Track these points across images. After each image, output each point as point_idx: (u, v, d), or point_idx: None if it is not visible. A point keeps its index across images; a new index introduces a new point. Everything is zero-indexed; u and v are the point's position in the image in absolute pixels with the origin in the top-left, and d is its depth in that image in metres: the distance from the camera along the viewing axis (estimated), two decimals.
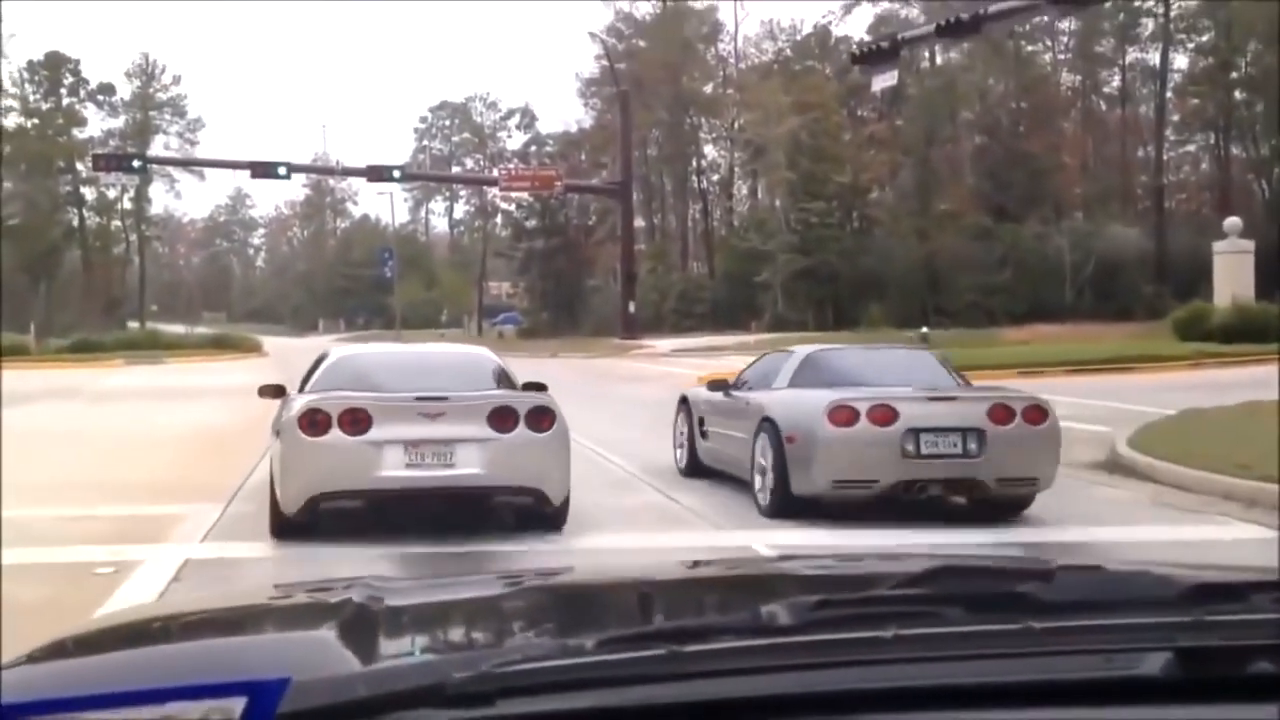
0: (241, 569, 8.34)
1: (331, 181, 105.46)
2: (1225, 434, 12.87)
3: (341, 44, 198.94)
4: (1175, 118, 68.72)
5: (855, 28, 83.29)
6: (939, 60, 69.23)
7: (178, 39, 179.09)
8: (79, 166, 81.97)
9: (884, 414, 9.60)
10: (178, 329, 65.76)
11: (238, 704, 1.30)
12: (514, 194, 70.72)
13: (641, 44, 78.68)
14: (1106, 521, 9.97)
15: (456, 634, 1.86)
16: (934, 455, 9.61)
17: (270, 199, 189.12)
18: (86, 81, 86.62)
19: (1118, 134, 71.41)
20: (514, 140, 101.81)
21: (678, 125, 76.60)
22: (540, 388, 9.95)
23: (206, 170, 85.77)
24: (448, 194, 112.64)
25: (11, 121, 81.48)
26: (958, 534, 9.41)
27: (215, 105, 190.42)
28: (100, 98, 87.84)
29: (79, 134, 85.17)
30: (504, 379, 10.06)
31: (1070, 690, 1.31)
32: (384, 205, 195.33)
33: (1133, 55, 69.59)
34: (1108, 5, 57.97)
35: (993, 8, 25.58)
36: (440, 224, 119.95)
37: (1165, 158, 69.14)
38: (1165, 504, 10.69)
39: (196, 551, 8.94)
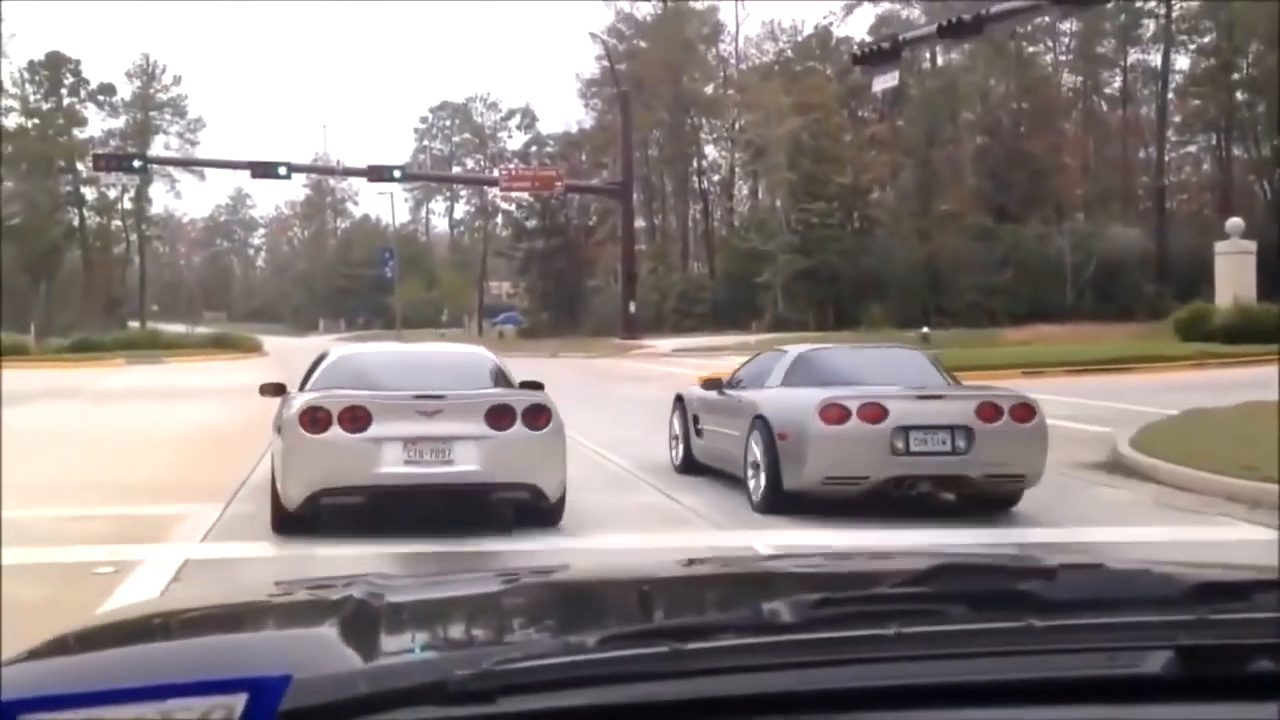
0: (241, 569, 8.33)
1: (332, 181, 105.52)
2: (1228, 435, 12.84)
3: (342, 44, 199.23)
4: (1177, 118, 68.70)
5: (856, 28, 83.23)
6: (940, 61, 69.25)
7: (178, 39, 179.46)
8: (79, 166, 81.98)
9: (874, 412, 9.78)
10: (178, 329, 65.75)
11: (239, 701, 1.29)
12: (514, 194, 70.77)
13: (642, 44, 78.69)
14: (1109, 522, 9.93)
15: (458, 631, 1.86)
16: (923, 452, 9.78)
17: (271, 199, 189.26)
18: (87, 81, 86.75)
19: (1119, 135, 71.40)
20: (514, 140, 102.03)
21: (678, 126, 76.60)
22: (537, 386, 10.05)
23: (207, 170, 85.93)
24: (448, 194, 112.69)
25: (12, 121, 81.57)
26: (959, 534, 9.41)
27: (216, 105, 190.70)
28: (101, 98, 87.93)
29: (79, 134, 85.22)
30: (501, 378, 10.19)
31: (1072, 688, 1.31)
32: (384, 205, 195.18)
33: (1134, 56, 69.61)
34: (1109, 6, 57.92)
35: (994, 8, 25.54)
36: (441, 224, 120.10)
37: (1166, 158, 69.15)
38: (1168, 505, 10.65)
39: (196, 552, 8.93)
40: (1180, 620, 1.40)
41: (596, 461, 13.66)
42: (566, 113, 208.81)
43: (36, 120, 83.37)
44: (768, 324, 58.41)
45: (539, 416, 9.24)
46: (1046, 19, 45.37)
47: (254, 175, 54.78)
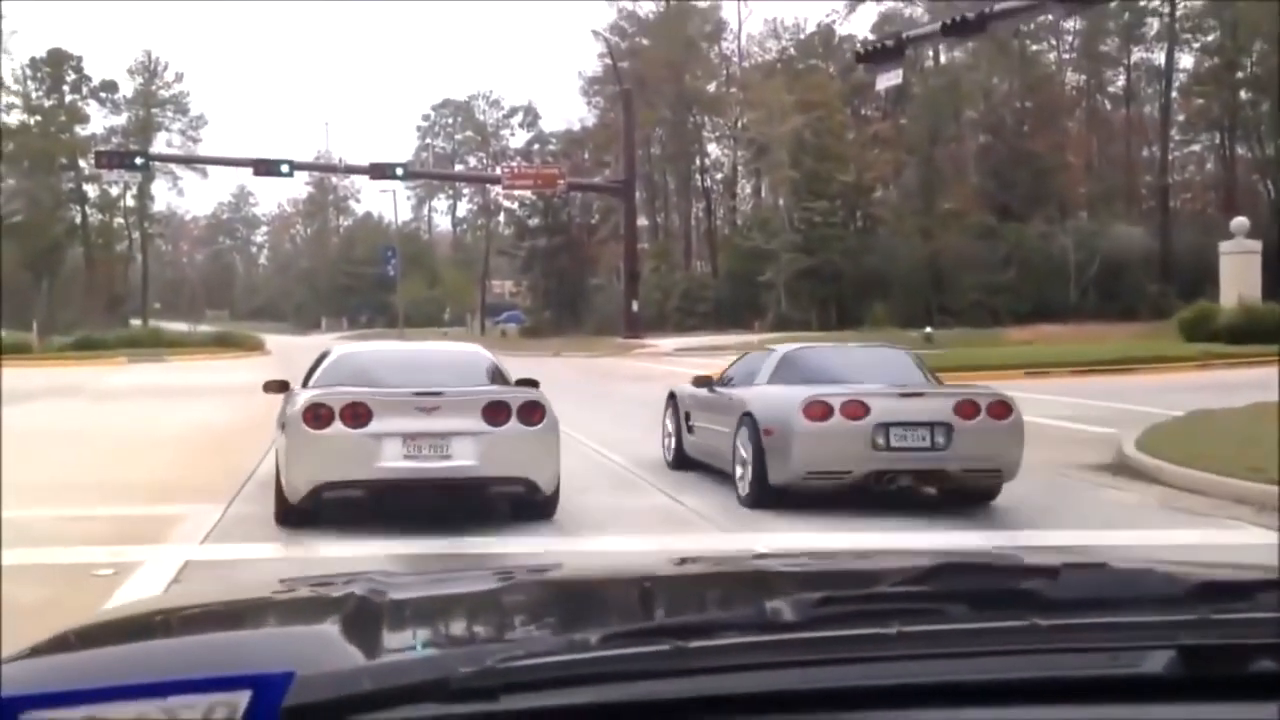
0: (242, 571, 8.29)
1: (334, 179, 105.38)
2: (1234, 436, 12.76)
3: (344, 42, 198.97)
4: (1180, 117, 68.56)
5: (859, 26, 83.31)
6: (943, 59, 69.18)
7: (181, 36, 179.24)
8: (81, 164, 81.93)
9: (856, 409, 10.11)
10: (180, 327, 65.69)
11: (242, 698, 1.30)
12: (517, 192, 70.70)
13: (645, 42, 78.65)
14: (1115, 525, 9.84)
15: (460, 629, 1.86)
16: (903, 448, 10.11)
17: (273, 196, 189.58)
18: (89, 78, 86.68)
19: (1122, 133, 71.28)
20: (517, 138, 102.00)
21: (681, 124, 76.55)
22: (532, 384, 10.36)
23: (209, 168, 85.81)
24: (450, 192, 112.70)
25: (14, 118, 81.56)
26: (961, 535, 9.37)
27: (218, 103, 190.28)
28: (103, 95, 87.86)
29: (81, 131, 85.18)
30: (497, 375, 10.51)
31: (1075, 687, 1.31)
32: (387, 203, 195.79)
33: (1138, 55, 69.49)
34: (1113, 5, 57.88)
35: (998, 6, 25.49)
36: (443, 222, 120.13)
37: (1170, 157, 69.01)
38: (1175, 507, 10.56)
39: (197, 553, 8.89)
40: (1183, 620, 1.40)
41: (597, 461, 13.76)
42: (569, 111, 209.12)
43: (38, 117, 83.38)
44: (770, 323, 58.36)
45: (534, 413, 9.52)
46: (1050, 17, 45.29)
47: (256, 173, 54.77)
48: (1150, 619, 1.43)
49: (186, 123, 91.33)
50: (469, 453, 9.33)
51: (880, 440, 10.08)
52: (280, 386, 11.04)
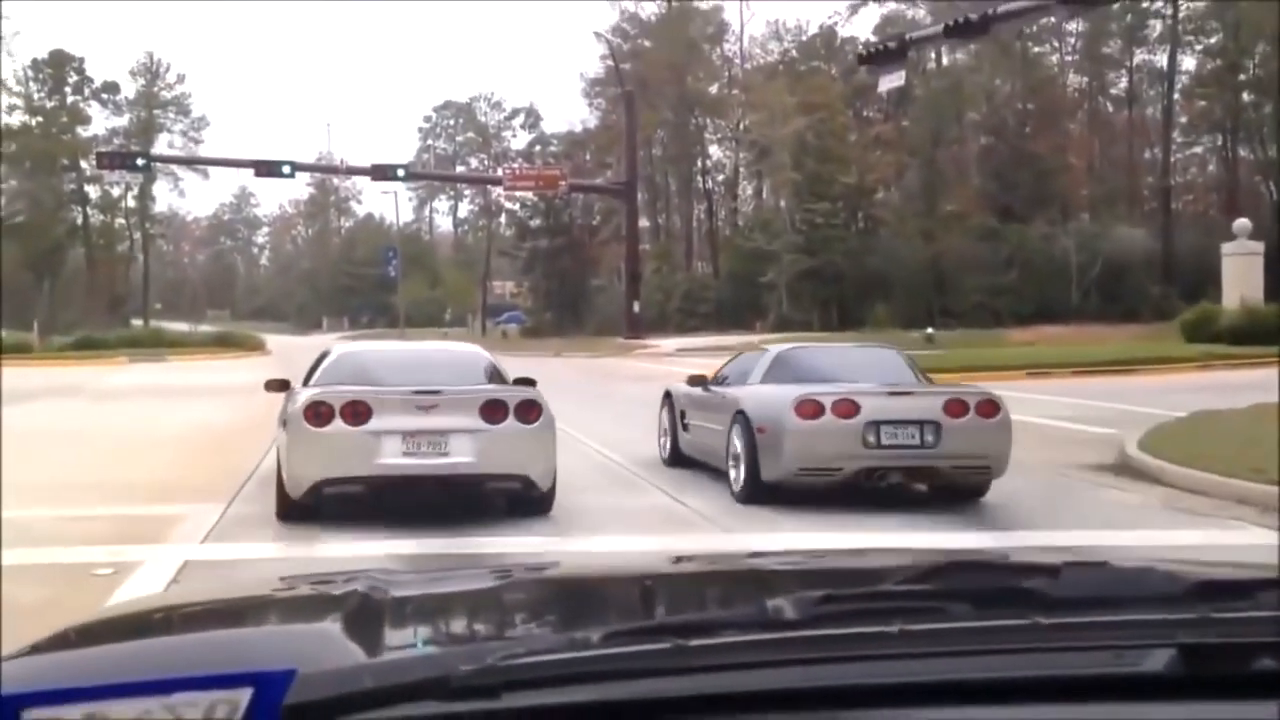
0: (242, 571, 8.26)
1: (336, 180, 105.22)
2: (1237, 437, 12.73)
3: (346, 43, 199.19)
4: (1183, 119, 68.52)
5: (861, 28, 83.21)
6: (945, 61, 69.15)
7: (182, 37, 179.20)
8: (83, 164, 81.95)
9: (847, 407, 10.31)
10: (181, 327, 65.76)
11: (244, 695, 1.30)
12: (518, 193, 70.71)
13: (647, 44, 78.62)
14: (1117, 526, 9.81)
15: (461, 627, 1.86)
16: (893, 445, 10.31)
17: (274, 197, 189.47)
18: (91, 80, 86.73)
19: (1125, 135, 71.24)
20: (518, 140, 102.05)
21: (683, 125, 76.54)
22: (530, 383, 10.51)
23: (211, 169, 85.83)
24: (452, 193, 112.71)
25: (16, 119, 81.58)
26: (963, 536, 9.34)
27: (219, 104, 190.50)
28: (104, 96, 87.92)
29: (83, 132, 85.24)
30: (495, 374, 10.70)
31: (1076, 686, 1.31)
32: (388, 204, 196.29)
33: (1140, 57, 69.45)
34: (1115, 6, 57.82)
35: (1001, 8, 25.42)
36: (444, 223, 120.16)
37: (1172, 159, 68.95)
38: (1177, 508, 10.53)
39: (196, 553, 8.87)
40: (1184, 619, 1.40)
41: (597, 461, 13.82)
42: (571, 112, 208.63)
43: (40, 118, 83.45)
44: (772, 324, 58.33)
45: (530, 411, 9.70)
46: (1053, 19, 45.25)
47: (258, 174, 54.76)
48: (1151, 617, 1.42)
49: (188, 124, 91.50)
50: (467, 450, 9.50)
51: (871, 438, 10.26)
52: (281, 385, 11.22)
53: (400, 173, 59.16)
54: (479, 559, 8.29)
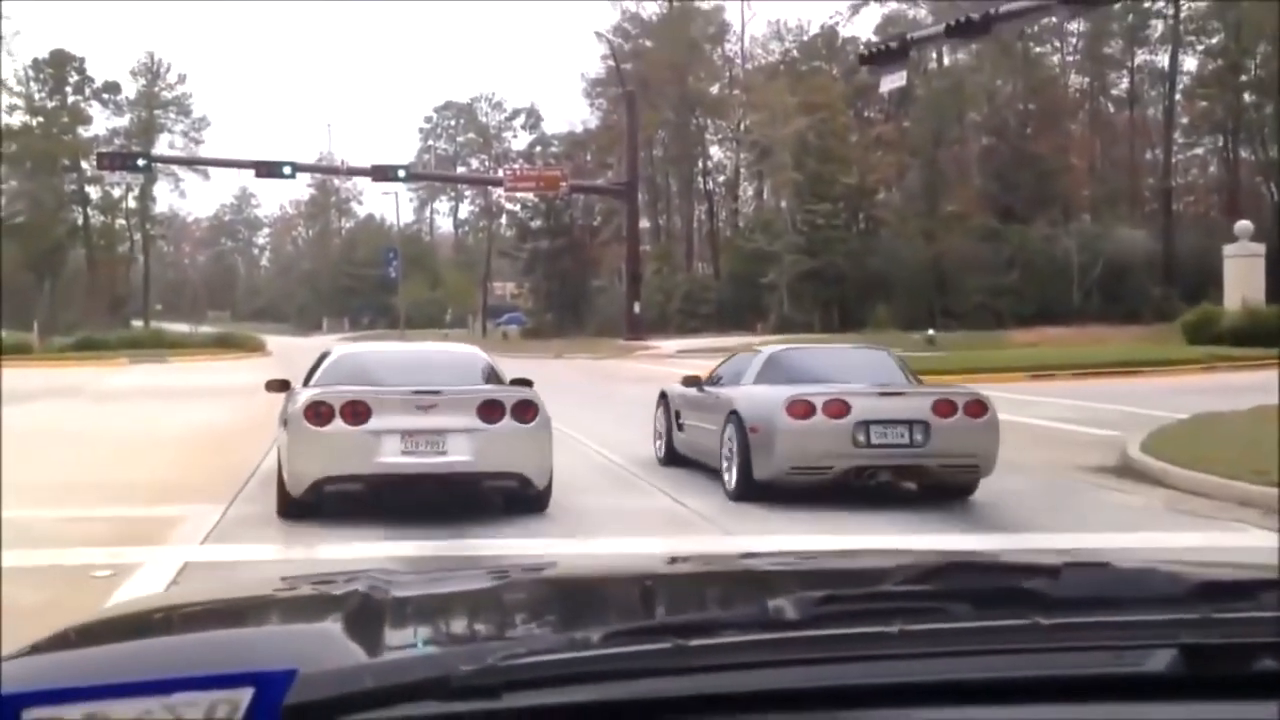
0: (242, 572, 8.21)
1: (336, 181, 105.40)
2: (1239, 439, 12.69)
3: (347, 44, 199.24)
4: (1184, 120, 68.50)
5: (862, 28, 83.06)
6: (946, 61, 69.10)
7: (183, 38, 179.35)
8: (84, 165, 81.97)
9: (837, 408, 10.51)
10: (182, 328, 65.74)
11: (244, 695, 1.30)
12: (519, 194, 70.67)
13: (648, 44, 78.59)
14: (1120, 528, 9.77)
15: (461, 627, 1.86)
16: (883, 445, 10.51)
17: (275, 198, 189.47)
18: (91, 80, 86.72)
19: (1126, 136, 71.20)
20: (519, 140, 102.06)
21: (684, 126, 76.52)
22: (526, 384, 10.69)
23: (211, 169, 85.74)
24: (452, 194, 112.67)
25: (16, 119, 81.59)
26: (967, 538, 9.31)
27: (220, 104, 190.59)
28: (105, 96, 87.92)
29: (84, 132, 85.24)
30: (492, 375, 10.89)
31: (1077, 686, 1.31)
32: (389, 205, 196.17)
33: (1141, 57, 69.42)
34: (1117, 7, 57.75)
35: (1003, 8, 25.40)
36: (445, 224, 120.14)
37: (1173, 160, 68.90)
38: (1180, 510, 10.51)
39: (196, 554, 8.84)
40: (1185, 619, 1.40)
41: (597, 461, 13.90)
42: (571, 113, 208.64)
43: (41, 118, 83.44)
44: (773, 325, 58.30)
45: (527, 411, 9.88)
46: (1054, 19, 45.21)
47: (258, 174, 54.71)
48: (1152, 618, 1.42)
49: (189, 124, 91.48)
50: (464, 449, 9.67)
51: (861, 437, 10.45)
52: (282, 385, 11.40)
53: (401, 173, 59.11)
54: (479, 561, 8.26)
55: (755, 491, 10.77)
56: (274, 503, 10.11)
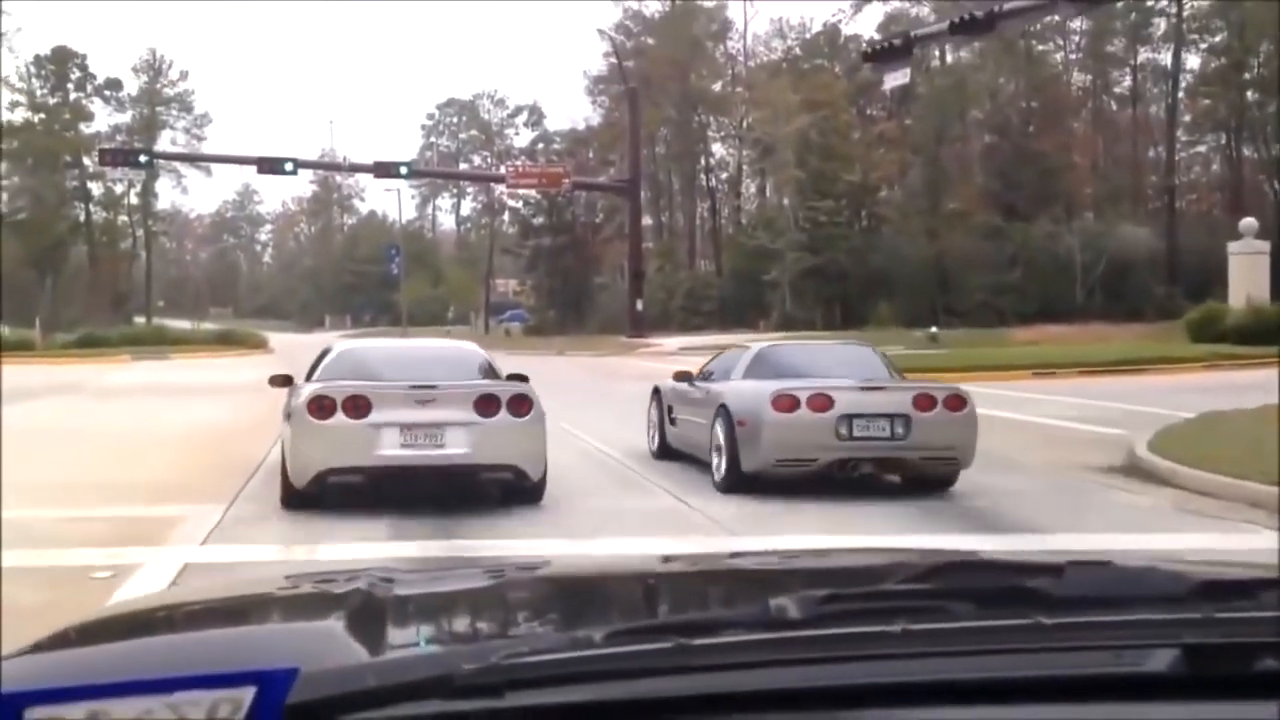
0: (242, 573, 8.12)
1: (339, 178, 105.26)
2: (1247, 438, 12.58)
3: (349, 40, 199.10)
4: (1187, 118, 68.46)
5: (865, 26, 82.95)
6: (949, 59, 69.05)
7: (185, 34, 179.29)
8: (85, 161, 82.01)
9: (821, 402, 10.86)
10: (184, 325, 65.78)
11: (247, 694, 1.31)
12: (521, 191, 70.66)
13: (650, 42, 78.58)
14: (1128, 528, 9.69)
15: (464, 625, 1.85)
16: (865, 437, 10.88)
17: (277, 195, 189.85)
18: (93, 76, 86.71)
19: (1129, 134, 71.12)
20: (521, 137, 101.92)
21: (686, 123, 76.47)
22: (522, 379, 10.98)
23: (213, 166, 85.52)
24: (455, 191, 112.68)
25: (18, 116, 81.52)
26: (972, 539, 9.25)
27: (222, 101, 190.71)
28: (107, 93, 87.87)
29: (85, 129, 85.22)
30: (489, 370, 11.26)
31: (1079, 686, 1.31)
32: (391, 202, 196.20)
33: (1144, 55, 69.37)
34: (1120, 5, 57.71)
35: (1007, 6, 25.33)
36: (447, 221, 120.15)
37: (1176, 158, 68.87)
38: (1189, 510, 10.42)
39: (196, 555, 8.77)
40: (1187, 619, 1.40)
41: (599, 459, 13.97)
42: (574, 110, 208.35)
43: (43, 115, 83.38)
44: (775, 322, 58.26)
45: (522, 405, 10.18)
46: (1057, 17, 45.13)
47: (260, 171, 54.66)
48: (1154, 617, 1.42)
49: (191, 121, 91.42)
50: (461, 442, 9.97)
51: (844, 430, 10.80)
52: (285, 380, 11.75)
53: (403, 170, 59.04)
54: (481, 561, 8.21)
55: (743, 483, 11.05)
56: (275, 503, 10.29)
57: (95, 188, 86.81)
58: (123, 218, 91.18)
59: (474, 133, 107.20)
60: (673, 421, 13.32)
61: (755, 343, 14.31)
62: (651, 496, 11.35)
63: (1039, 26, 60.06)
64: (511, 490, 10.41)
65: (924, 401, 10.95)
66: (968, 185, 65.88)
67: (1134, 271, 57.52)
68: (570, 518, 9.99)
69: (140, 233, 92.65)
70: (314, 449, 9.99)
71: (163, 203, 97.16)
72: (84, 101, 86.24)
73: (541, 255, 74.94)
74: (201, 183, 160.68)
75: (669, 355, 42.27)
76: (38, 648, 1.55)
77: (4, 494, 10.08)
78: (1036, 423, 17.33)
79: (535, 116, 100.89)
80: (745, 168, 78.62)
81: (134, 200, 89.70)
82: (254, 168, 55.48)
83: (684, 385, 13.14)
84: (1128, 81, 71.30)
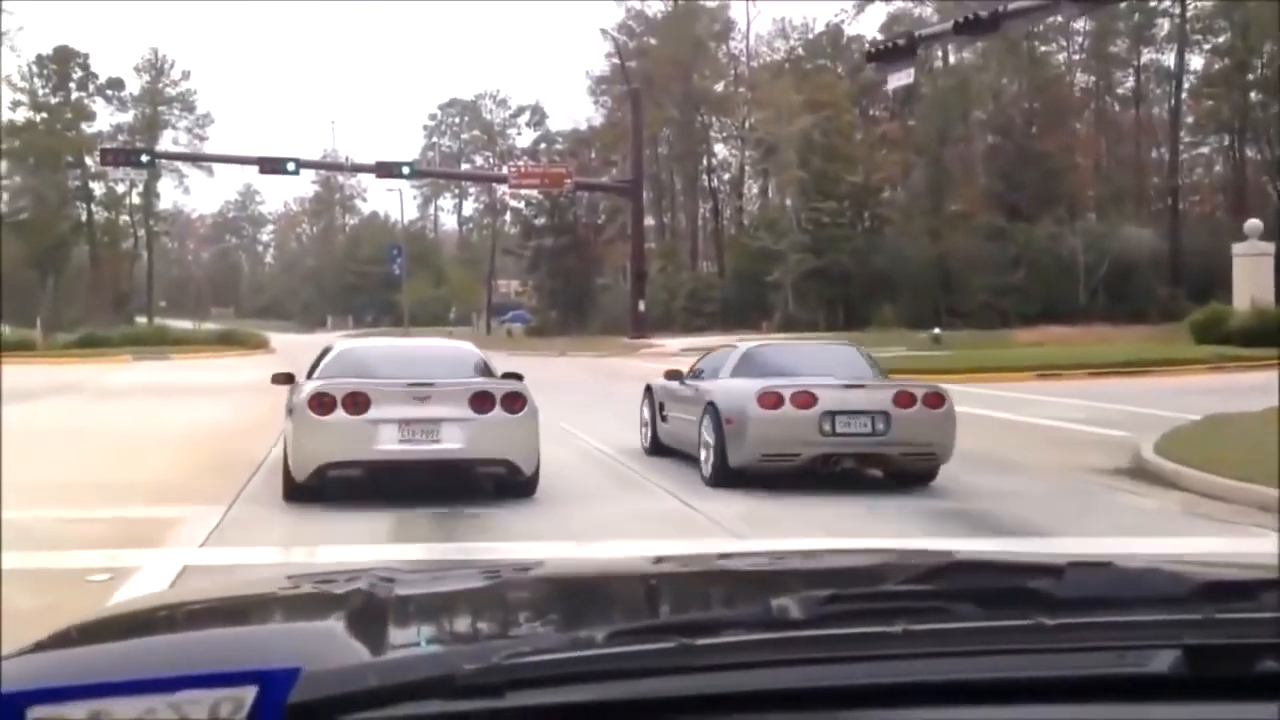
0: (242, 575, 8.05)
1: (340, 178, 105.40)
2: (1253, 440, 12.48)
3: (351, 40, 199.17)
4: (1190, 119, 68.38)
5: (868, 26, 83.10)
6: (952, 59, 69.02)
7: (187, 34, 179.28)
8: (87, 161, 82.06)
9: (804, 399, 11.22)
10: (185, 325, 65.71)
11: (248, 693, 1.31)
12: (523, 191, 70.66)
13: (653, 42, 78.57)
14: (1136, 531, 9.60)
15: (465, 625, 1.85)
16: (847, 434, 11.23)
17: (279, 195, 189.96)
18: (95, 76, 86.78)
19: (1132, 135, 71.12)
20: (524, 138, 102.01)
21: (688, 123, 76.46)
22: (516, 377, 11.31)
23: (215, 166, 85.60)
24: (457, 191, 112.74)
25: (20, 115, 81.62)
26: (973, 542, 9.18)
27: (224, 101, 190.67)
28: (109, 92, 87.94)
29: (87, 129, 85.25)
30: (484, 369, 11.64)
31: (1080, 686, 1.31)
32: (393, 202, 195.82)
33: (1147, 56, 69.38)
34: (1123, 5, 57.65)
35: (1011, 6, 25.27)
36: (449, 221, 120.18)
37: (1179, 159, 68.81)
38: (1197, 514, 10.33)
39: (195, 557, 8.69)
40: (1188, 619, 1.40)
41: (598, 459, 14.06)
42: (576, 110, 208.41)
43: (44, 115, 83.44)
44: (778, 323, 58.22)
45: (516, 402, 10.52)
46: (1060, 18, 45.05)
47: (262, 171, 54.66)
48: (1156, 618, 1.42)
49: (193, 120, 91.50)
50: (457, 437, 10.32)
51: (826, 427, 11.17)
52: (286, 378, 12.09)
53: (405, 170, 59.01)
54: (482, 562, 8.16)
55: (730, 478, 11.39)
56: (276, 504, 10.49)
57: (97, 187, 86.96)
58: (124, 218, 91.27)
59: (476, 133, 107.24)
60: (664, 419, 13.65)
61: (743, 342, 14.62)
62: (647, 493, 11.59)
63: (1042, 27, 60.06)
64: (505, 484, 10.69)
65: (904, 399, 11.30)
66: (970, 186, 65.85)
67: (1137, 273, 57.45)
68: (567, 508, 10.34)
69: (142, 233, 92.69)
70: (315, 443, 10.30)
71: (164, 203, 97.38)
72: (86, 101, 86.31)
73: (543, 256, 74.93)
74: (203, 183, 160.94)
75: (671, 356, 42.17)
76: (39, 647, 1.54)
77: (4, 494, 10.02)
78: (1040, 424, 17.27)
79: (537, 117, 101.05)
80: (748, 168, 78.62)
81: (136, 200, 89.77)
82: (256, 168, 55.47)
83: (674, 383, 13.50)
84: (1131, 82, 71.34)
